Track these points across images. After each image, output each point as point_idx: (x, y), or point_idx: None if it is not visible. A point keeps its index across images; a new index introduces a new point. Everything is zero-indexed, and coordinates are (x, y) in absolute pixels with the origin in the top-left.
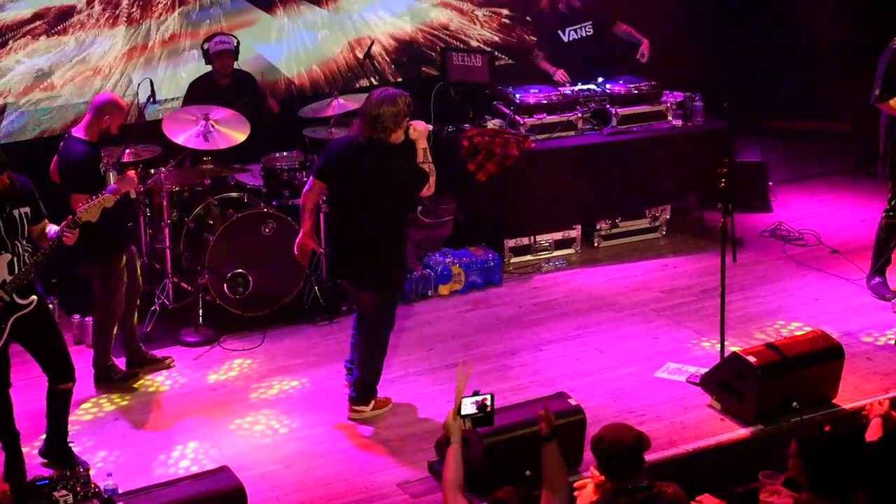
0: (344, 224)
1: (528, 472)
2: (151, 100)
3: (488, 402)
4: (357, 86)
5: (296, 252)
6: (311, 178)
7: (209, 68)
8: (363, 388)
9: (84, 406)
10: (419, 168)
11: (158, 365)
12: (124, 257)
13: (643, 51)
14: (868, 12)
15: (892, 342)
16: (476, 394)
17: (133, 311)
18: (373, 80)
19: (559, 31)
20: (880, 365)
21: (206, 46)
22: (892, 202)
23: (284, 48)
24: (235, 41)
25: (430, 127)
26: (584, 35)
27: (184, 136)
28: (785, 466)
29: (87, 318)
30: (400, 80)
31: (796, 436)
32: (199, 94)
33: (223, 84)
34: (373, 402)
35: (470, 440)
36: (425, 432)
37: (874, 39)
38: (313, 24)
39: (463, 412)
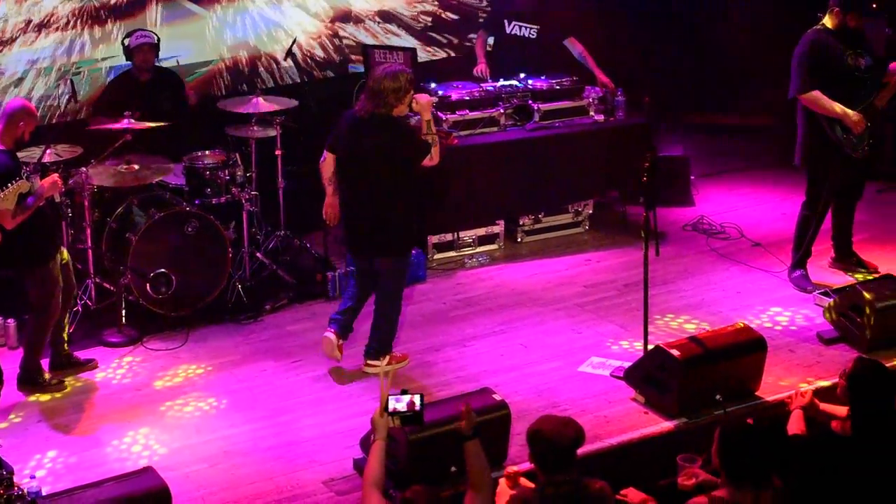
0: (354, 197)
1: (453, 469)
2: (73, 100)
3: (417, 402)
4: (280, 84)
5: (324, 215)
6: (324, 150)
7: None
8: (379, 344)
9: (8, 408)
10: (421, 139)
11: (82, 368)
12: (57, 258)
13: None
14: (787, 6)
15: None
16: (405, 392)
17: (67, 310)
18: (301, 78)
19: (504, 21)
20: (802, 357)
21: (126, 42)
22: (809, 194)
23: (204, 45)
24: (156, 36)
25: (434, 99)
26: (525, 35)
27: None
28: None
29: (8, 320)
30: (323, 76)
31: (720, 426)
32: (119, 91)
33: (143, 80)
34: (388, 358)
35: (395, 437)
36: (351, 429)
37: (793, 33)
38: (231, 20)
39: (391, 409)
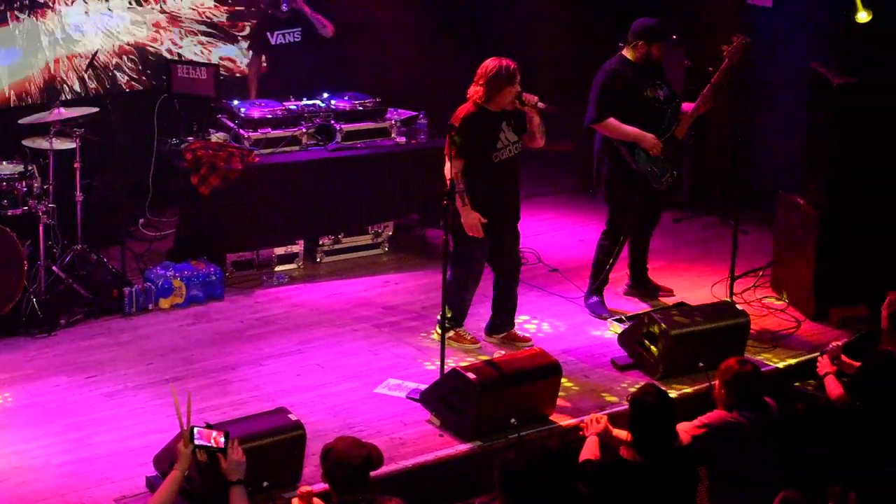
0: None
1: (265, 483)
2: None
3: (221, 440)
4: (81, 96)
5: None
6: None
7: None
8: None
9: None
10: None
11: None
12: None
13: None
14: (587, 35)
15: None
16: (209, 426)
17: None
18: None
19: (268, 33)
20: (596, 382)
21: None
22: (610, 223)
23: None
24: None
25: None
26: (291, 41)
27: None
28: None
29: None
30: (127, 90)
31: (501, 465)
32: None
33: None
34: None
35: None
36: (144, 447)
37: (591, 62)
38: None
39: (197, 442)
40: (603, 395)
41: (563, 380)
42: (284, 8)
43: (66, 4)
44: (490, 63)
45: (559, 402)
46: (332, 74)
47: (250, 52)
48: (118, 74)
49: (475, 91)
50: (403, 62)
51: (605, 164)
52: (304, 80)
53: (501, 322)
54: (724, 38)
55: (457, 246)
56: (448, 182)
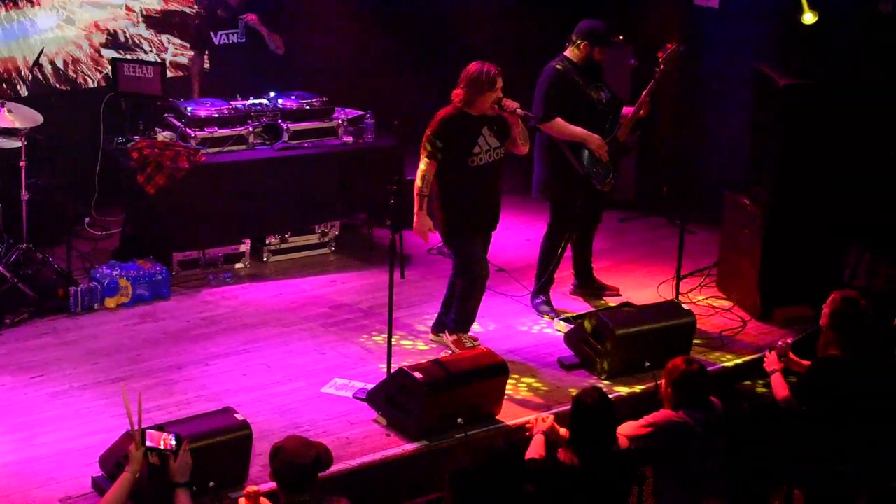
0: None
1: (211, 483)
2: None
3: (172, 443)
4: (28, 94)
5: None
6: None
7: None
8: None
9: None
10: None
11: None
12: None
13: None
14: (530, 37)
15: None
16: (161, 428)
17: None
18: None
19: (211, 34)
20: (543, 382)
21: None
22: (553, 223)
23: None
24: None
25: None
26: (235, 41)
27: None
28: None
29: None
30: (68, 88)
31: (450, 472)
32: None
33: None
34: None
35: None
36: (90, 447)
37: (535, 62)
38: None
39: (148, 444)
40: (549, 394)
41: (509, 378)
42: (232, 3)
43: None
44: (472, 67)
45: (505, 401)
46: (278, 74)
47: (193, 51)
48: (66, 72)
49: (456, 94)
50: (351, 61)
51: (547, 163)
52: (249, 79)
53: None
54: (672, 39)
55: (455, 256)
56: (417, 183)
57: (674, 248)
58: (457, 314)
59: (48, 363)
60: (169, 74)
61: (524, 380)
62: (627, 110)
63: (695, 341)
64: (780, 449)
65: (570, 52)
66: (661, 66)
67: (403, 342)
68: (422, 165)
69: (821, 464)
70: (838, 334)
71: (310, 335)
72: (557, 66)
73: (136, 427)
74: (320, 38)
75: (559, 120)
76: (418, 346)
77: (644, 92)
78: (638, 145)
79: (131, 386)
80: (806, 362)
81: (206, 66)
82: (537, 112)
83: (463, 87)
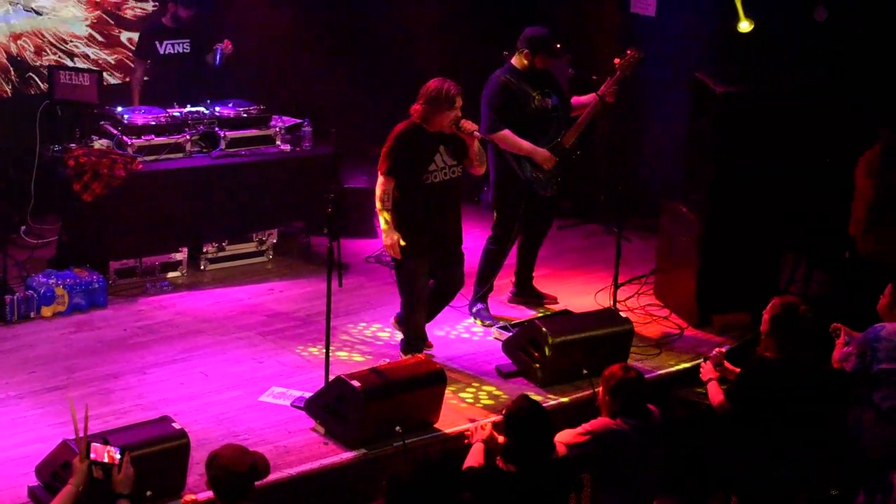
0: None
1: (149, 493)
2: None
3: (116, 456)
4: None
5: None
6: None
7: None
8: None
9: None
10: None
11: None
12: None
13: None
14: (473, 48)
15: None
16: (106, 441)
17: None
18: None
19: (156, 42)
20: (481, 390)
21: None
22: (496, 230)
23: None
24: None
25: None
26: (180, 51)
27: None
28: None
29: None
30: (8, 95)
31: (388, 480)
32: None
33: None
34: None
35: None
36: (25, 456)
37: (480, 72)
38: None
39: (92, 457)
40: (487, 402)
41: (447, 387)
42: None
43: None
44: (432, 83)
45: (443, 409)
46: (222, 84)
47: (137, 59)
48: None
49: (414, 109)
50: (288, 70)
51: (491, 171)
52: (192, 89)
53: None
54: (609, 47)
55: (397, 269)
56: (377, 201)
57: (611, 255)
58: (406, 335)
59: None
60: (114, 80)
61: (462, 387)
62: (581, 100)
63: (632, 349)
64: (717, 455)
65: (515, 60)
66: (618, 73)
67: (340, 351)
68: (379, 181)
69: (757, 469)
70: (777, 339)
71: (247, 343)
72: (500, 76)
73: (81, 439)
74: (258, 46)
75: (506, 132)
76: (356, 356)
77: (594, 98)
78: (580, 154)
79: (68, 395)
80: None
81: (145, 77)
82: (484, 123)
83: (421, 102)
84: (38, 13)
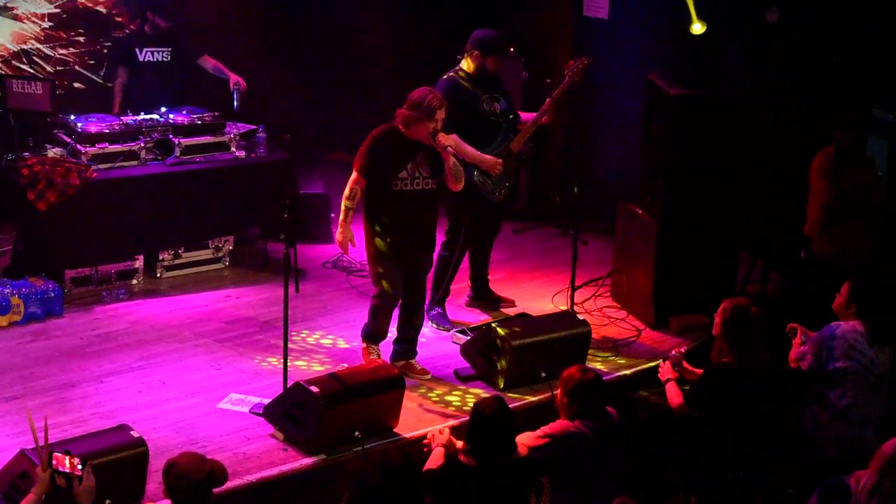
0: None
1: (108, 501)
2: None
3: (79, 466)
4: None
5: None
6: None
7: None
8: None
9: None
10: None
11: None
12: None
13: (238, 83)
14: (428, 49)
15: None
16: (68, 452)
17: None
18: None
19: (136, 49)
20: (440, 394)
21: None
22: (449, 235)
23: None
24: None
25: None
26: (160, 59)
27: None
28: None
29: None
30: None
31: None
32: None
33: None
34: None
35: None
36: None
37: (432, 75)
38: None
39: (55, 466)
40: (446, 406)
41: (406, 391)
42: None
43: None
44: (418, 92)
45: (402, 413)
46: (198, 91)
47: (119, 66)
48: None
49: (399, 113)
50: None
51: None
52: (171, 96)
53: (403, 350)
54: (563, 50)
55: (371, 273)
56: (344, 194)
57: (568, 258)
58: (368, 325)
59: None
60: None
61: (421, 392)
62: (527, 116)
63: (590, 351)
64: (675, 456)
65: (464, 63)
66: (567, 78)
67: (299, 361)
68: (352, 177)
69: (714, 470)
70: (730, 342)
71: (205, 350)
72: (449, 79)
73: (42, 448)
74: (212, 52)
75: (455, 137)
76: (313, 360)
77: (546, 101)
78: (530, 156)
79: (25, 404)
80: (699, 371)
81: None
82: None
83: (405, 108)
84: None
